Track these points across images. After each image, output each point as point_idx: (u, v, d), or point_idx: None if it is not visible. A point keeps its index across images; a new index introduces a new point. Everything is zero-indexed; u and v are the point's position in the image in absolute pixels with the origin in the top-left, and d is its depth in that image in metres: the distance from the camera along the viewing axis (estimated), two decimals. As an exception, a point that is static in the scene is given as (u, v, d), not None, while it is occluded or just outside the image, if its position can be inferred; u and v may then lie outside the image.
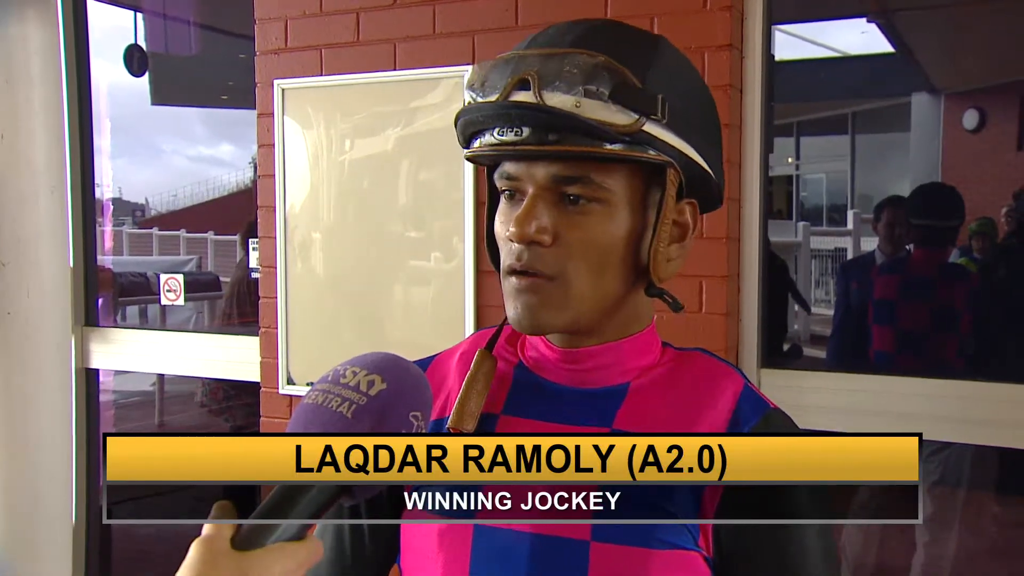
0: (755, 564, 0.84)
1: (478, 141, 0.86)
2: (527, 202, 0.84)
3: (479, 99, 0.84)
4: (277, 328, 2.57)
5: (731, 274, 2.12)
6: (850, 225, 4.43)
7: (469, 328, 2.33)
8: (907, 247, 2.99)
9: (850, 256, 3.91)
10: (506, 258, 0.86)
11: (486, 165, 0.92)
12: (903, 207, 3.00)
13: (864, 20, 3.70)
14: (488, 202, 0.92)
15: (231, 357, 2.84)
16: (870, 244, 3.41)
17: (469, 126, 0.86)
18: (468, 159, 0.90)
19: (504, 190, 0.87)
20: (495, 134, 0.83)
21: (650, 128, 0.81)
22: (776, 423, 0.87)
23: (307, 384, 2.52)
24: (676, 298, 0.90)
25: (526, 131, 0.81)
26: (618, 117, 0.80)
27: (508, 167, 0.86)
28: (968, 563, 3.04)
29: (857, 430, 2.27)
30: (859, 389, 2.13)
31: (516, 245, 0.84)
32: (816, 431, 2.25)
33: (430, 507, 0.89)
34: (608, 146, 0.81)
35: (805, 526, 0.85)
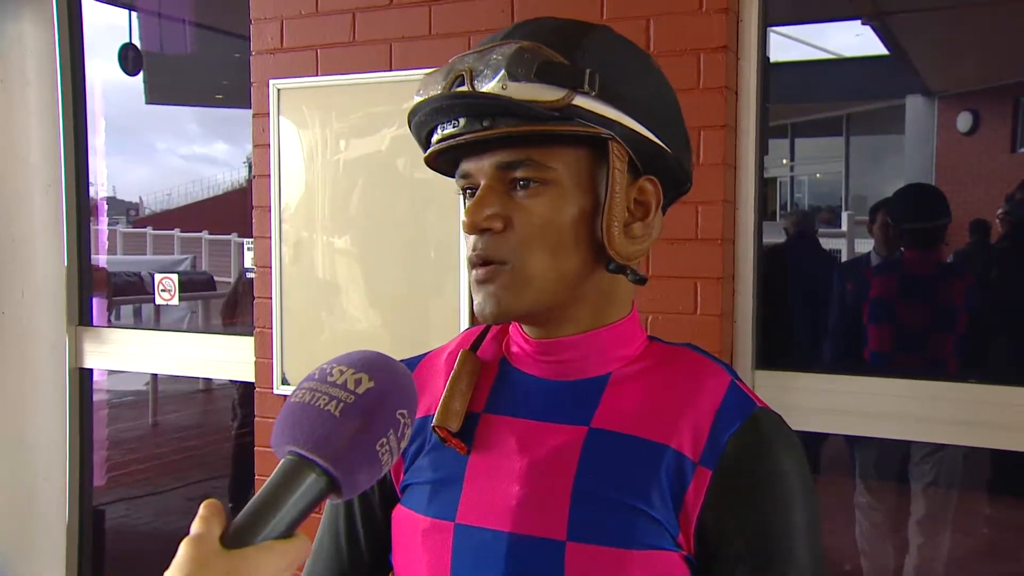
0: (737, 560, 0.83)
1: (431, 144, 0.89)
2: (478, 192, 0.86)
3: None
4: (272, 328, 2.57)
5: (726, 275, 2.12)
6: (844, 227, 4.43)
7: (464, 326, 2.32)
8: (901, 248, 3.00)
9: (844, 258, 3.91)
10: (467, 251, 0.88)
11: (445, 173, 0.93)
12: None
13: (859, 23, 3.71)
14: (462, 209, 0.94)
15: (225, 357, 2.83)
16: (863, 245, 3.42)
17: (420, 127, 0.89)
18: (428, 165, 0.92)
19: (464, 189, 0.89)
20: (438, 131, 0.87)
21: (581, 102, 0.82)
22: (763, 424, 0.86)
23: (302, 384, 2.52)
24: (638, 272, 0.90)
25: (462, 121, 0.84)
26: (545, 94, 0.81)
27: (462, 165, 0.89)
28: (961, 564, 3.04)
29: (851, 432, 2.28)
30: (853, 391, 2.13)
31: (471, 236, 0.86)
32: (809, 433, 2.26)
33: (414, 506, 0.90)
34: (540, 124, 0.82)
35: (792, 524, 0.84)
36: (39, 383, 3.03)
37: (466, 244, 0.88)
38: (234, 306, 4.05)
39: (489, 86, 0.81)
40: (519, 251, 0.85)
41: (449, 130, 0.85)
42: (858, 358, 3.01)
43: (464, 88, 0.82)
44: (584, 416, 0.88)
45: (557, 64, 0.81)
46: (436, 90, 0.85)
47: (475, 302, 0.88)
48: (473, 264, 0.87)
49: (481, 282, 0.86)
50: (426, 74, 0.88)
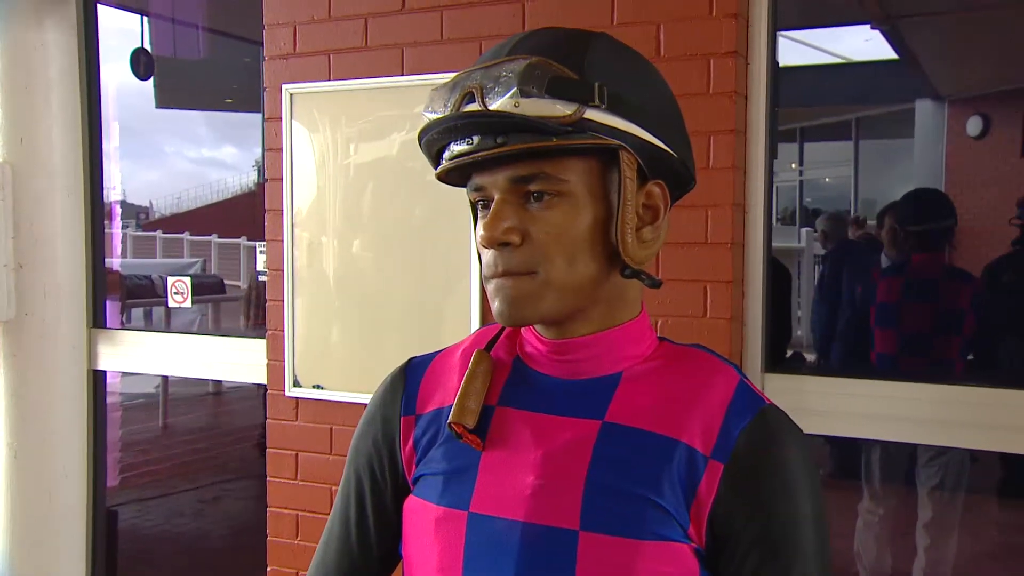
0: (748, 549, 0.85)
1: (442, 160, 0.90)
2: (493, 207, 0.88)
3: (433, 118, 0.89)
4: (284, 330, 2.59)
5: (736, 279, 2.14)
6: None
7: (476, 328, 2.34)
8: (909, 253, 3.01)
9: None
10: (484, 266, 0.90)
11: (456, 184, 0.95)
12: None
13: (868, 27, 3.72)
14: (472, 219, 0.95)
15: (237, 359, 2.85)
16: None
17: (431, 144, 0.91)
18: (439, 179, 0.94)
19: (476, 202, 0.91)
20: (451, 148, 0.88)
21: (592, 115, 0.84)
22: (771, 421, 0.88)
23: (313, 386, 2.54)
24: (653, 277, 0.92)
25: (476, 139, 0.85)
26: (557, 109, 0.83)
27: (475, 179, 0.90)
28: (969, 567, 3.05)
29: (860, 435, 2.29)
30: (862, 394, 2.14)
31: (490, 251, 0.88)
32: (819, 435, 2.27)
33: (427, 495, 0.92)
34: (553, 139, 0.84)
35: (800, 515, 0.86)
36: (60, 384, 3.06)
37: (483, 256, 0.90)
38: (249, 306, 4.08)
39: (500, 102, 0.83)
40: (539, 263, 0.87)
41: (463, 147, 0.87)
42: (866, 360, 3.02)
43: (475, 106, 0.84)
44: (598, 411, 0.90)
45: (567, 79, 0.83)
46: (445, 107, 0.87)
47: (494, 308, 0.89)
48: (492, 275, 0.89)
49: (501, 287, 0.88)
50: (432, 90, 0.90)
